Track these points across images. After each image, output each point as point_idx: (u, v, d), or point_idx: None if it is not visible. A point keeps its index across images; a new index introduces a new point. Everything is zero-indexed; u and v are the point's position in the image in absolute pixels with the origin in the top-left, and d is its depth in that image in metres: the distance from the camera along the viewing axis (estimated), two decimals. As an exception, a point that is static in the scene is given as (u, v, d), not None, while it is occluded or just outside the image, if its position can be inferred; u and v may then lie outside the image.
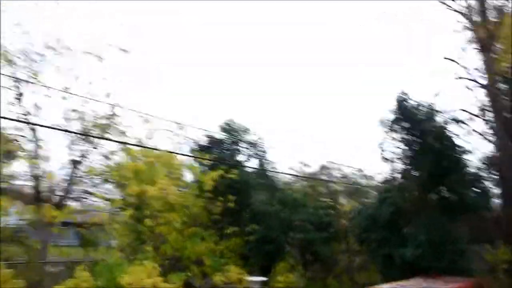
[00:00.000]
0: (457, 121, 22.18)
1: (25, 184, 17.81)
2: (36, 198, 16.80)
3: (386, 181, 24.39)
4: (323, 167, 26.08)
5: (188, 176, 18.57)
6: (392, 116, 23.47)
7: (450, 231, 18.18)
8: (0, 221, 16.01)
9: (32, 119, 15.82)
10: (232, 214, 18.66)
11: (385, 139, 23.82)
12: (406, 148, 23.41)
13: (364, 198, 25.88)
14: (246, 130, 21.41)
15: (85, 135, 16.51)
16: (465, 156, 20.50)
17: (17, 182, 18.30)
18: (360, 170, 27.07)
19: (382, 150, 23.85)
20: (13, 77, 15.16)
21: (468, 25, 22.72)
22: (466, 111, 23.77)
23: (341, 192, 26.10)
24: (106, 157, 17.16)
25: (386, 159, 23.96)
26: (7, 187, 17.11)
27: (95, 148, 17.13)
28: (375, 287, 14.38)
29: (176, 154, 17.15)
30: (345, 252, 24.18)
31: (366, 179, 27.83)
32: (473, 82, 23.85)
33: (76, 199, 18.25)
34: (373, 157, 24.44)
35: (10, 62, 14.99)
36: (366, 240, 21.61)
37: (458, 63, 23.37)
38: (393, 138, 23.82)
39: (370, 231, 21.34)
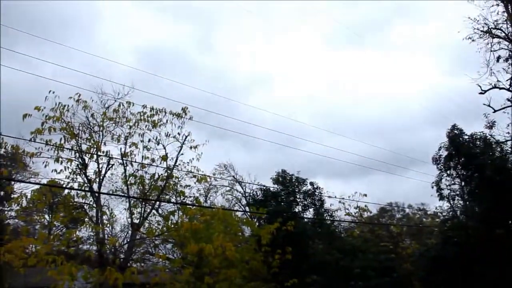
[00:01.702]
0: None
1: (90, 248, 18.51)
2: (100, 262, 17.33)
3: (447, 220, 23.60)
4: (383, 210, 25.58)
5: (246, 231, 18.71)
6: (445, 153, 23.01)
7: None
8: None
9: (95, 186, 16.67)
10: (291, 266, 18.51)
11: (441, 176, 23.28)
12: (464, 184, 22.74)
13: (427, 238, 25.00)
14: (299, 180, 21.54)
15: (143, 199, 17.12)
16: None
17: (83, 247, 19.10)
18: (421, 210, 26.40)
19: (439, 188, 23.27)
20: (77, 150, 16.14)
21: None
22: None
23: (403, 234, 25.37)
24: (165, 218, 17.62)
25: (443, 196, 23.31)
26: (74, 252, 17.84)
27: (154, 209, 17.68)
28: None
29: (232, 211, 17.38)
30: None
31: (428, 218, 26.99)
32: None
33: (138, 261, 18.71)
34: (430, 194, 23.75)
35: (75, 135, 16.05)
36: (433, 283, 20.74)
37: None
38: (449, 175, 23.26)
39: (436, 273, 20.50)
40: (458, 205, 23.07)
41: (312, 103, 62.05)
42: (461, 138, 22.21)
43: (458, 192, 22.87)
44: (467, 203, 22.31)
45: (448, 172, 22.82)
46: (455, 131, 22.52)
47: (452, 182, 22.95)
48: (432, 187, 22.93)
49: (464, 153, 21.80)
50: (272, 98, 58.81)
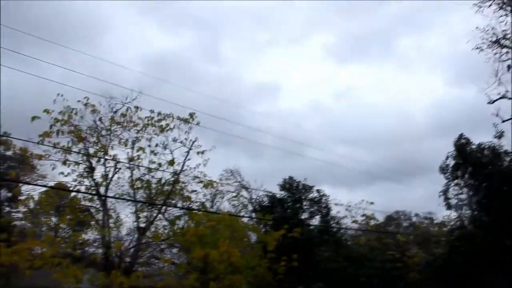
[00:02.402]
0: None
1: (96, 251, 18.55)
2: (106, 265, 17.34)
3: (454, 229, 23.44)
4: (390, 218, 25.42)
5: (252, 237, 18.66)
6: (452, 162, 22.89)
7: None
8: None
9: (101, 190, 16.72)
10: (297, 273, 18.43)
11: (448, 185, 23.16)
12: (472, 193, 22.59)
13: (434, 247, 24.81)
14: (306, 187, 21.50)
15: (150, 203, 17.15)
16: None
17: (89, 250, 19.13)
18: (428, 218, 26.22)
19: (446, 198, 23.14)
20: (84, 153, 16.21)
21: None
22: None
23: (409, 242, 25.18)
24: (171, 222, 17.62)
25: (451, 206, 23.17)
26: (80, 255, 17.87)
27: (160, 214, 17.68)
28: None
29: (238, 217, 17.35)
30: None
31: (436, 227, 26.81)
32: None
33: (143, 264, 18.72)
34: (437, 204, 23.61)
35: (82, 139, 16.13)
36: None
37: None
38: (456, 184, 23.13)
39: (443, 282, 20.34)
40: (466, 215, 22.91)
41: (318, 113, 62.07)
42: (468, 148, 22.08)
43: (465, 202, 22.72)
44: (475, 212, 22.14)
45: (456, 181, 22.69)
46: (462, 141, 22.40)
47: (460, 191, 22.82)
48: (440, 196, 22.82)
49: (472, 163, 21.66)
50: (278, 107, 58.93)
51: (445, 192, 22.44)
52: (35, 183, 18.14)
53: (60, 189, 16.22)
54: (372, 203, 21.68)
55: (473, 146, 22.10)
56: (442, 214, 27.02)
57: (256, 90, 60.17)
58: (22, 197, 17.57)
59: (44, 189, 16.89)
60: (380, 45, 64.15)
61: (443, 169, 22.61)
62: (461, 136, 22.41)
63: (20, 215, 21.80)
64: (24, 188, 18.33)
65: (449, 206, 22.62)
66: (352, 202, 20.95)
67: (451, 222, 24.08)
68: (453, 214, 23.25)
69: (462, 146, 22.05)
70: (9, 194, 24.38)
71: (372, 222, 23.57)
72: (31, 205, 17.31)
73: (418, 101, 66.17)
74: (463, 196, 22.67)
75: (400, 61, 62.67)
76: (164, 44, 58.93)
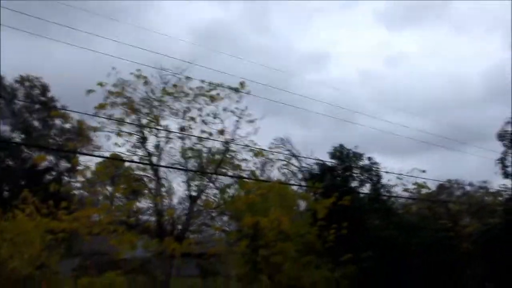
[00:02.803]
0: None
1: (150, 219, 19.20)
2: (159, 232, 17.94)
3: (510, 199, 22.59)
4: (442, 187, 24.75)
5: (302, 205, 18.72)
6: (511, 129, 21.88)
7: None
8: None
9: (154, 159, 17.19)
10: (346, 241, 18.39)
11: (506, 153, 22.23)
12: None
13: (489, 217, 24.00)
14: (357, 155, 21.19)
15: (201, 172, 17.46)
16: None
17: (143, 218, 19.83)
18: (483, 188, 25.35)
19: (504, 165, 22.26)
20: (137, 124, 16.64)
21: None
22: None
23: (463, 212, 24.42)
24: (222, 191, 17.92)
25: (508, 174, 22.31)
26: (134, 222, 18.57)
27: (211, 182, 18.00)
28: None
29: (288, 185, 17.42)
30: (471, 278, 22.43)
31: (491, 196, 25.87)
32: None
33: (195, 232, 19.23)
34: (493, 172, 22.70)
35: (135, 110, 16.53)
36: (493, 264, 20.00)
37: None
38: (515, 151, 22.15)
39: (497, 253, 19.75)
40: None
41: (370, 81, 60.66)
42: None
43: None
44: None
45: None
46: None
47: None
48: (496, 164, 21.98)
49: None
50: (329, 75, 57.93)
51: (502, 160, 21.59)
52: (91, 153, 18.83)
53: (115, 159, 16.75)
54: (424, 171, 21.08)
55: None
56: (498, 183, 25.91)
57: (306, 59, 59.38)
58: (80, 168, 18.28)
59: (100, 159, 17.53)
60: (434, 8, 61.36)
61: (501, 136, 21.69)
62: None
63: (78, 184, 22.82)
64: (82, 158, 19.09)
65: (506, 175, 21.77)
66: (403, 170, 20.45)
67: (507, 191, 23.16)
68: (510, 183, 22.34)
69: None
70: (68, 165, 25.61)
71: (424, 191, 23.02)
72: (88, 175, 17.99)
73: (474, 66, 63.38)
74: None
75: (455, 24, 59.85)
76: (213, 15, 58.94)
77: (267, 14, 60.68)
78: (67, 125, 24.58)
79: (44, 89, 26.45)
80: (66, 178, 25.68)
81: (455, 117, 49.58)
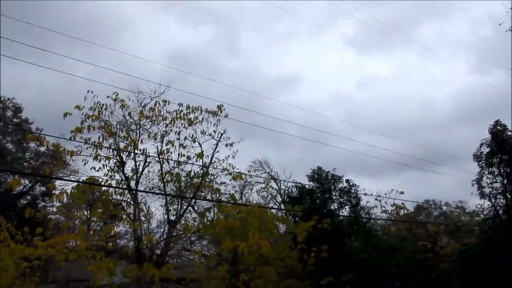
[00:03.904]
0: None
1: (128, 244, 18.89)
2: (138, 257, 17.64)
3: (488, 219, 22.91)
4: (420, 207, 24.98)
5: (281, 228, 18.64)
6: (487, 150, 22.31)
7: None
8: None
9: (132, 184, 16.98)
10: (327, 264, 18.35)
11: (482, 174, 22.60)
12: (507, 182, 22.00)
13: (466, 237, 24.30)
14: (335, 178, 21.30)
15: (180, 196, 17.30)
16: None
17: (121, 243, 19.50)
18: (460, 207, 25.68)
19: (480, 186, 22.60)
20: (114, 148, 16.47)
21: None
22: None
23: (440, 232, 24.69)
24: (201, 215, 17.77)
25: (485, 195, 22.64)
26: (112, 248, 18.23)
27: (190, 206, 17.85)
28: None
29: (267, 208, 17.36)
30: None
31: (468, 216, 26.23)
32: None
33: (174, 256, 18.98)
34: (470, 192, 23.04)
35: (113, 134, 16.38)
36: (472, 284, 20.14)
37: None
38: (490, 172, 22.56)
39: (476, 273, 19.90)
40: (500, 204, 22.33)
41: (341, 103, 61.57)
42: (504, 135, 21.44)
43: (500, 190, 22.14)
44: (510, 202, 21.55)
45: (490, 169, 22.11)
46: (498, 127, 21.76)
47: (494, 180, 22.24)
48: (473, 185, 22.31)
49: (508, 150, 21.05)
50: (299, 99, 58.66)
51: (478, 180, 21.93)
52: (68, 178, 18.56)
53: (92, 183, 16.50)
54: (402, 192, 21.29)
55: (510, 133, 21.45)
56: (474, 202, 26.28)
57: (277, 82, 59.98)
58: (56, 192, 17.94)
59: (76, 184, 17.24)
60: (401, 33, 63.13)
61: (477, 157, 22.06)
62: (497, 122, 21.76)
63: (54, 209, 22.38)
64: (58, 183, 18.79)
65: (482, 195, 22.09)
66: (381, 191, 20.63)
67: (484, 211, 23.52)
68: (486, 203, 22.69)
69: (497, 132, 21.44)
70: (43, 189, 25.08)
71: (402, 212, 23.21)
72: (65, 199, 17.66)
73: (442, 89, 64.86)
74: (498, 185, 22.09)
75: (422, 49, 61.44)
76: (184, 39, 59.32)
77: (238, 38, 61.40)
78: (42, 148, 24.20)
79: (17, 110, 26.04)
80: (41, 203, 25.16)
81: (427, 139, 50.57)
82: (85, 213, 20.50)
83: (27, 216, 17.56)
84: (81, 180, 16.88)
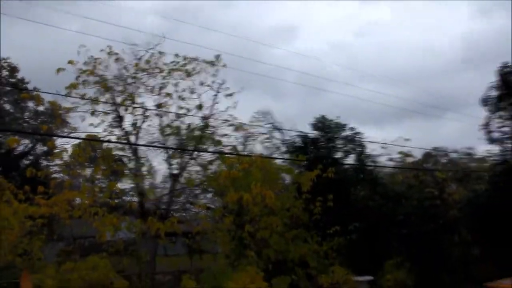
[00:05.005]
0: None
1: (132, 199, 18.80)
2: (142, 212, 17.61)
3: (497, 164, 22.54)
4: (427, 155, 24.65)
5: (286, 178, 18.44)
6: (495, 93, 21.69)
7: None
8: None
9: (132, 138, 16.71)
10: (333, 214, 18.21)
11: (490, 118, 22.07)
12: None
13: (474, 183, 24.01)
14: (339, 126, 20.85)
15: (181, 149, 17.04)
16: None
17: (125, 199, 19.43)
18: (468, 154, 25.32)
19: (488, 131, 22.13)
20: (112, 103, 16.09)
21: None
22: None
23: (448, 179, 24.33)
24: (204, 167, 17.56)
25: (493, 140, 22.20)
26: (117, 204, 18.15)
27: (192, 159, 17.61)
28: (494, 283, 13.14)
29: (270, 158, 17.11)
30: (458, 245, 22.48)
31: (477, 162, 25.91)
32: None
33: (178, 210, 18.92)
34: (476, 138, 22.57)
35: (109, 89, 15.96)
36: (481, 230, 20.02)
37: None
38: (499, 116, 22.02)
39: (484, 220, 19.74)
40: (509, 148, 21.90)
41: (341, 52, 60.21)
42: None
43: (509, 135, 21.66)
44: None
45: (498, 113, 21.55)
46: (506, 69, 21.01)
47: (503, 124, 21.72)
48: (480, 130, 21.82)
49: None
50: (297, 48, 57.36)
51: (486, 125, 21.41)
52: (67, 135, 18.30)
53: (91, 140, 16.22)
54: (408, 139, 20.85)
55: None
56: (483, 149, 25.81)
57: (275, 32, 58.48)
58: (57, 150, 17.71)
59: (76, 141, 16.98)
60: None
61: (485, 101, 21.46)
62: (505, 65, 20.99)
63: (57, 168, 22.21)
64: (58, 141, 18.53)
65: (491, 140, 21.63)
66: (387, 140, 20.20)
67: (493, 157, 23.12)
68: (495, 148, 22.26)
69: (506, 75, 20.72)
70: (44, 148, 24.90)
71: (409, 159, 22.86)
72: (66, 157, 17.44)
73: (445, 35, 63.19)
74: (507, 129, 21.59)
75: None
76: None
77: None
78: (41, 108, 23.84)
79: (13, 70, 25.53)
80: (44, 162, 25.06)
81: (432, 85, 49.61)
82: (88, 170, 20.35)
83: (29, 175, 17.45)
84: (81, 138, 16.57)
